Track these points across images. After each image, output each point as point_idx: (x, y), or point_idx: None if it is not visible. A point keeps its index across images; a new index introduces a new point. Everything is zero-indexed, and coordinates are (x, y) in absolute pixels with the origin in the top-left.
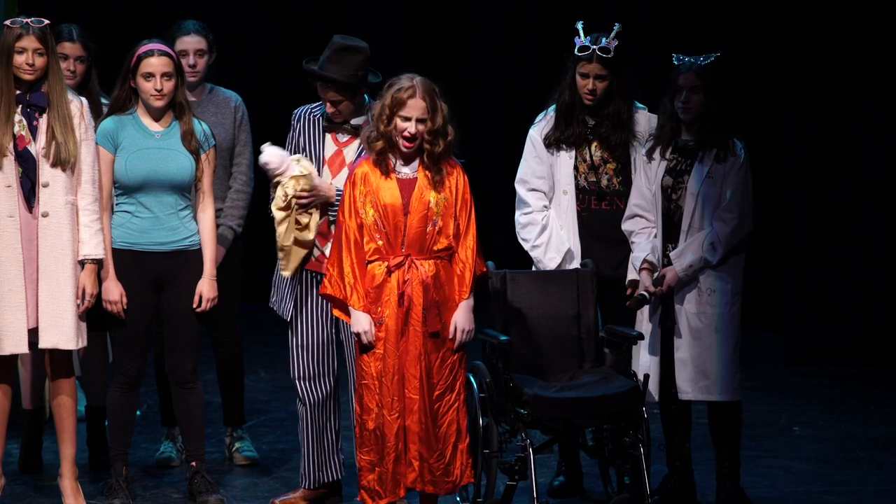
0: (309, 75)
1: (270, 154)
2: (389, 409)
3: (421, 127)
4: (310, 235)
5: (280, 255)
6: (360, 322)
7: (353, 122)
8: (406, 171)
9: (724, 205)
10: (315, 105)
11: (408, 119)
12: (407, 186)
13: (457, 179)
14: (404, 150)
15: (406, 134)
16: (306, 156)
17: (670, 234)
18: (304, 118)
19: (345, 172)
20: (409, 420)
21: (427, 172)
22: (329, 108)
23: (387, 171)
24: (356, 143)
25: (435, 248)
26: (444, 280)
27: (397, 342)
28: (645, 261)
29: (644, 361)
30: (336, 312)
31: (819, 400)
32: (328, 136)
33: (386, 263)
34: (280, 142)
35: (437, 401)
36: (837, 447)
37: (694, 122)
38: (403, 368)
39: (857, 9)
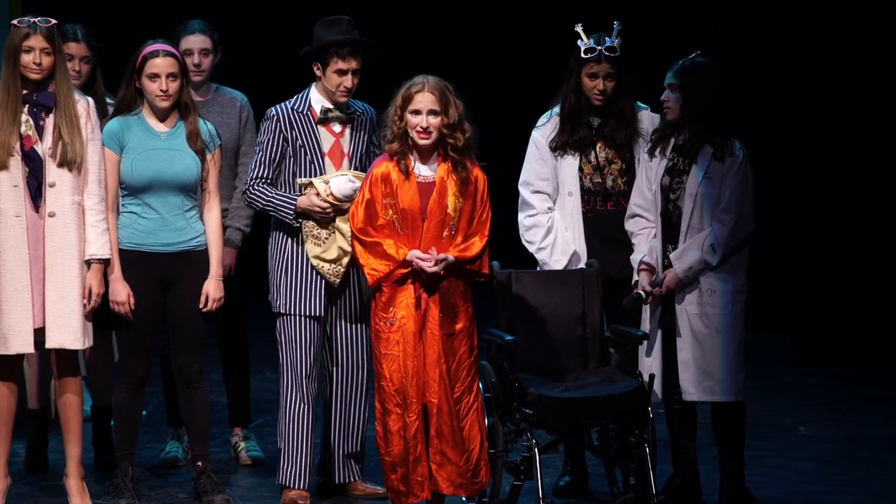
0: (332, 44)
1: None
2: (409, 410)
3: (434, 120)
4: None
5: (335, 265)
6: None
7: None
8: (425, 174)
9: (722, 205)
10: (292, 101)
11: (418, 113)
12: (426, 190)
13: (476, 182)
14: (421, 142)
15: (419, 129)
16: (304, 152)
17: (669, 235)
18: (290, 115)
19: (345, 163)
20: (432, 422)
21: (452, 171)
22: (350, 83)
23: (406, 172)
24: (349, 129)
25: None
26: (457, 283)
27: (416, 344)
28: (642, 262)
29: (646, 362)
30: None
31: (823, 400)
32: (322, 129)
33: None
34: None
35: (457, 403)
36: (842, 447)
37: (681, 122)
38: (423, 371)
39: (857, 9)
